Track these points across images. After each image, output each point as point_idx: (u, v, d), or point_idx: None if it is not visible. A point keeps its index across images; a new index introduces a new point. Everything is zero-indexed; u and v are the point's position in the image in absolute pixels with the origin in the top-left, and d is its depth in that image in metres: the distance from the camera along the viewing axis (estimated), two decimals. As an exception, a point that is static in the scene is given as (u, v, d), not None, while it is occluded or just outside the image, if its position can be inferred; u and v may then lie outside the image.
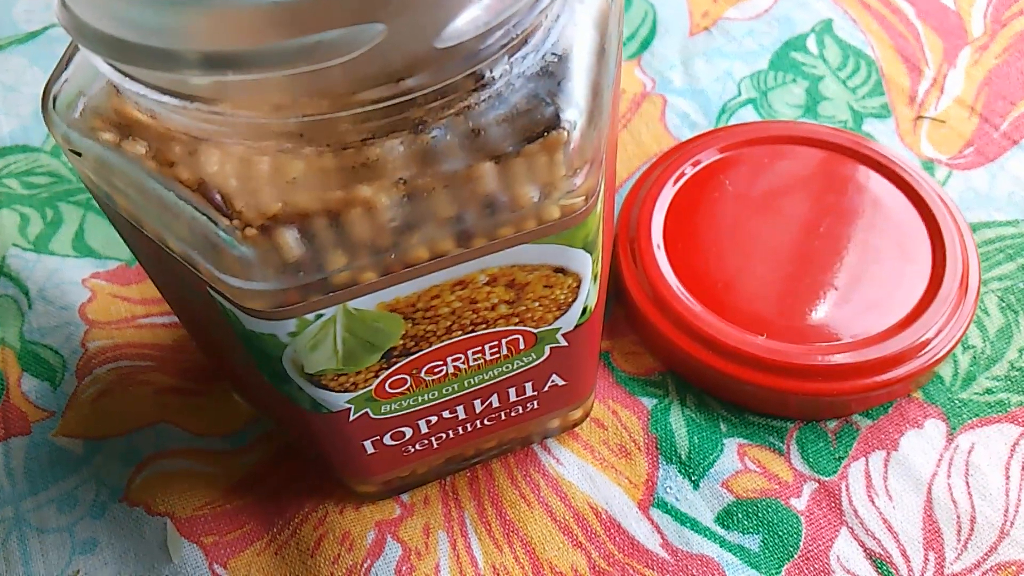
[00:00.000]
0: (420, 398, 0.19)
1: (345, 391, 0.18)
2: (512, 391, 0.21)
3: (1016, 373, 0.25)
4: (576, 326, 0.19)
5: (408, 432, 0.21)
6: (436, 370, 0.19)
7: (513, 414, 0.22)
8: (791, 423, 0.25)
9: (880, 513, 0.23)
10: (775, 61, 0.33)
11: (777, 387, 0.24)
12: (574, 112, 0.15)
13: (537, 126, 0.15)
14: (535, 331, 0.19)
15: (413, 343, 0.18)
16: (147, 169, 0.15)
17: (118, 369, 0.26)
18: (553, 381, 0.21)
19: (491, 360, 0.19)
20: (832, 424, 0.25)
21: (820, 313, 0.25)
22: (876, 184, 0.28)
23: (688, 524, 0.23)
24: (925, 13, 0.34)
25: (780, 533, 0.23)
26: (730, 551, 0.22)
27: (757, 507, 0.23)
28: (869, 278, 0.25)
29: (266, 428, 0.25)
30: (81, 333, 0.27)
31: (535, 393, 0.21)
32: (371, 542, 0.23)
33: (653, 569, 0.22)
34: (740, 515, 0.23)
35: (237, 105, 0.14)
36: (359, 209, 0.15)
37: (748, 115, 0.32)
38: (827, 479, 0.23)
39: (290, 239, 0.15)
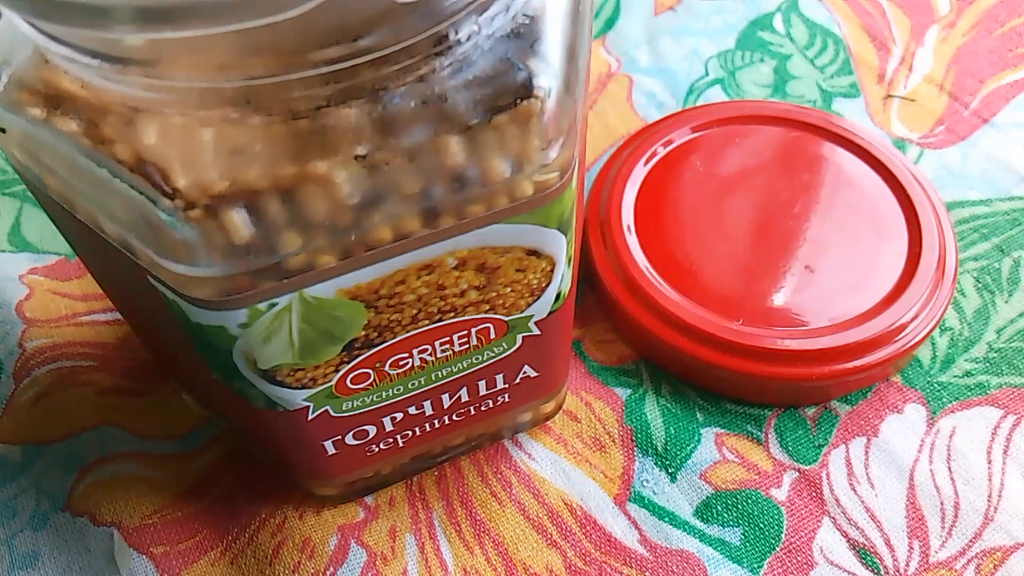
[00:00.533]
0: (384, 393, 0.18)
1: (303, 387, 0.17)
2: (482, 384, 0.20)
3: (995, 355, 0.25)
4: (549, 313, 0.18)
5: (372, 430, 0.19)
6: (401, 363, 0.18)
7: (483, 408, 0.21)
8: (769, 410, 0.24)
9: (863, 502, 0.22)
10: (742, 40, 0.32)
11: (754, 373, 0.23)
12: (548, 78, 0.14)
13: (508, 93, 0.14)
14: (507, 319, 0.18)
15: (376, 334, 0.16)
16: (79, 145, 0.14)
17: (58, 370, 0.25)
18: (525, 372, 0.20)
19: (460, 351, 0.18)
20: (811, 411, 0.24)
21: (796, 296, 0.24)
22: (850, 164, 0.27)
23: (666, 518, 0.22)
24: (891, -8, 0.34)
25: (761, 525, 0.22)
26: (710, 545, 0.22)
27: (737, 499, 0.22)
28: (845, 260, 0.25)
29: (218, 429, 0.24)
30: (18, 332, 0.25)
31: (506, 386, 0.20)
32: (334, 548, 0.21)
33: (631, 567, 0.21)
34: (720, 507, 0.22)
35: (176, 67, 0.12)
36: (314, 185, 0.13)
37: (716, 95, 0.31)
38: (808, 468, 0.23)
39: (238, 219, 0.13)
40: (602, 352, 0.25)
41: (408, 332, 0.17)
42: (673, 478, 0.23)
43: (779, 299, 0.24)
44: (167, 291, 0.15)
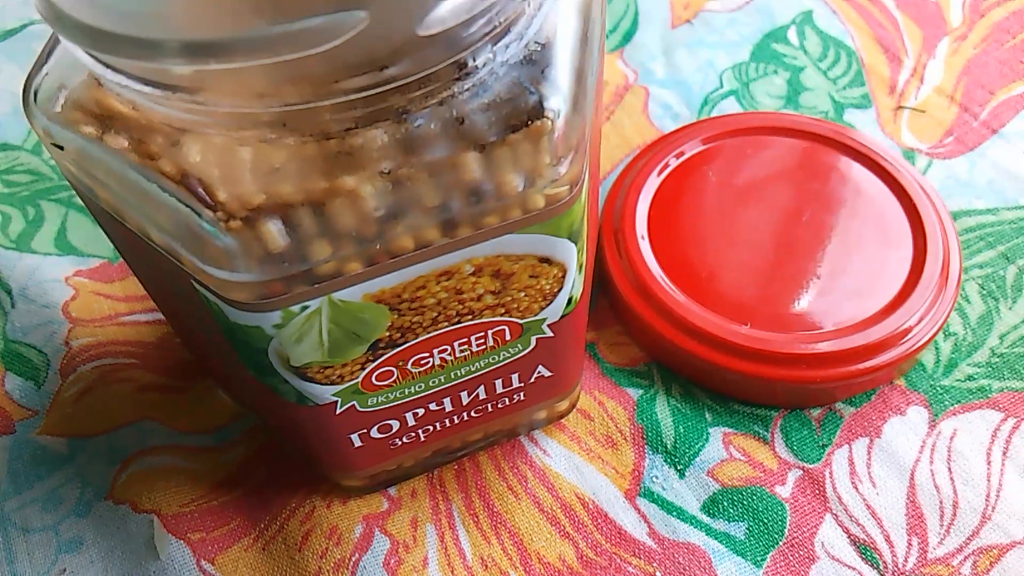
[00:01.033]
0: (407, 390, 0.19)
1: (331, 384, 0.18)
2: (499, 383, 0.21)
3: (997, 360, 0.25)
4: (562, 316, 0.20)
5: (395, 425, 0.21)
6: (423, 362, 0.19)
7: (500, 406, 0.22)
8: (776, 411, 0.25)
9: (864, 499, 0.23)
10: (756, 52, 0.33)
11: (762, 375, 0.24)
12: (558, 100, 0.15)
13: (521, 114, 0.15)
14: (521, 322, 0.19)
15: (399, 334, 0.18)
16: (129, 161, 0.15)
17: (101, 367, 0.26)
18: (539, 372, 0.21)
19: (477, 351, 0.19)
20: (816, 412, 0.25)
21: (803, 301, 0.25)
22: (858, 173, 0.28)
23: (674, 513, 0.23)
24: (904, 3, 0.35)
25: (765, 520, 0.23)
26: (716, 539, 0.23)
27: (742, 495, 0.23)
28: (851, 266, 0.26)
29: (251, 424, 0.25)
30: (64, 331, 0.27)
31: (522, 384, 0.21)
32: (359, 536, 0.23)
33: (640, 558, 0.22)
34: (726, 503, 0.23)
35: (218, 94, 0.14)
36: (343, 198, 0.15)
37: (730, 106, 0.32)
38: (811, 466, 0.24)
39: (274, 229, 0.14)
40: (615, 354, 0.26)
41: (428, 333, 0.18)
42: (681, 475, 0.24)
43: (787, 304, 0.25)
44: (208, 294, 0.16)
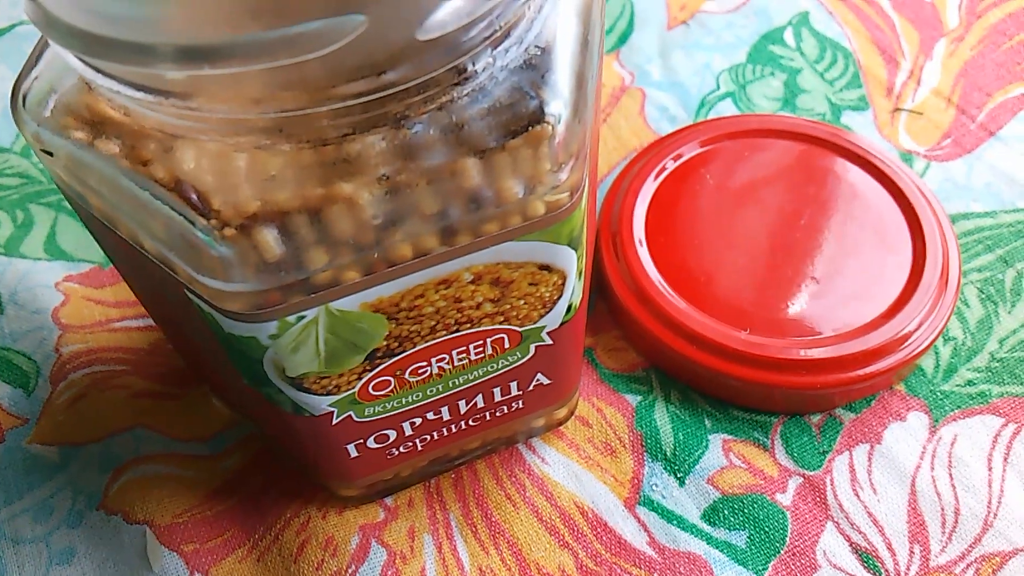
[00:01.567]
0: (404, 400, 0.19)
1: (328, 394, 0.18)
2: (497, 391, 0.21)
3: (997, 364, 0.25)
4: (561, 324, 0.19)
5: (392, 434, 0.20)
6: (420, 371, 0.18)
7: (498, 414, 0.21)
8: (775, 417, 0.25)
9: (865, 507, 0.23)
10: (753, 54, 0.33)
11: (761, 381, 0.24)
12: (558, 105, 0.15)
13: (521, 120, 0.15)
14: (520, 330, 0.19)
15: (397, 344, 0.17)
16: (121, 167, 0.15)
17: (93, 374, 0.26)
18: (538, 380, 0.21)
19: (476, 360, 0.19)
20: (816, 418, 0.25)
21: (802, 307, 0.25)
22: (856, 176, 0.28)
23: (675, 521, 0.23)
24: (900, 4, 0.35)
25: (766, 529, 0.23)
26: (717, 548, 0.22)
27: (743, 503, 0.23)
28: (850, 271, 0.25)
29: (245, 431, 0.25)
30: (54, 337, 0.27)
31: (520, 392, 0.21)
32: (355, 547, 0.22)
33: (640, 568, 0.22)
34: (726, 511, 0.23)
35: (213, 100, 0.13)
36: (340, 206, 0.14)
37: (727, 108, 0.32)
38: (812, 473, 0.23)
39: (270, 238, 0.14)
40: (613, 360, 0.26)
41: (427, 342, 0.18)
42: (681, 482, 0.23)
43: (786, 310, 0.25)
44: (203, 304, 0.16)
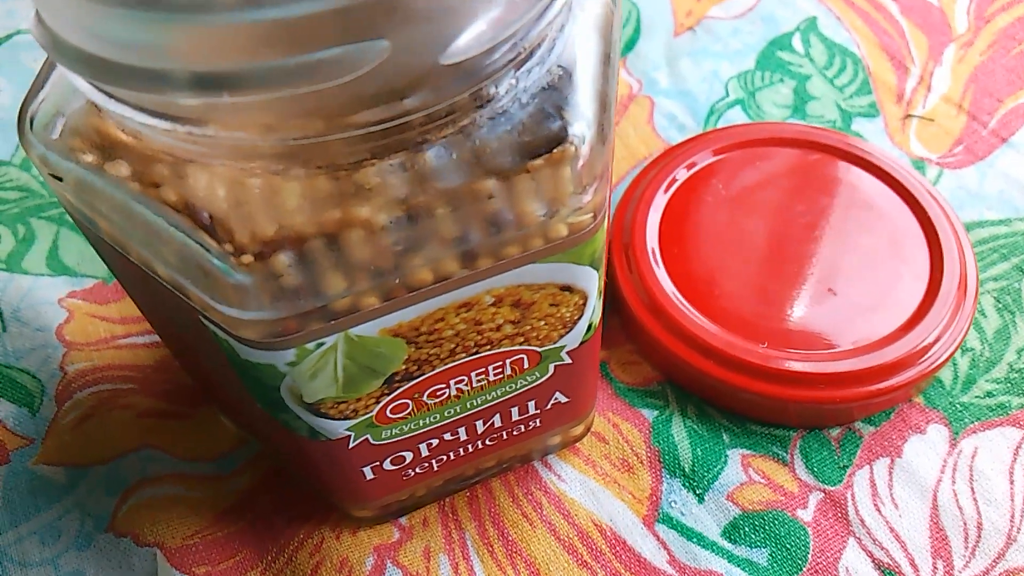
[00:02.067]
0: (421, 421, 0.19)
1: (345, 418, 0.17)
2: (515, 410, 0.20)
3: (1015, 375, 0.25)
4: (581, 343, 0.19)
5: (408, 456, 0.20)
6: (438, 393, 0.18)
7: (515, 433, 0.21)
8: (794, 431, 0.24)
9: (887, 522, 0.23)
10: (761, 61, 0.33)
11: (779, 396, 0.23)
12: (582, 126, 0.15)
13: (543, 142, 0.14)
14: (540, 350, 0.18)
15: (416, 367, 0.17)
16: (133, 193, 0.15)
17: (99, 393, 0.25)
18: (556, 398, 0.21)
19: (495, 380, 0.19)
20: (835, 431, 0.24)
21: (819, 319, 0.24)
22: (870, 185, 0.27)
23: (695, 539, 0.22)
24: (908, 9, 0.34)
25: (788, 546, 0.22)
26: (738, 566, 0.22)
27: (764, 519, 0.23)
28: (867, 281, 0.25)
29: (254, 451, 0.24)
30: (59, 355, 0.26)
31: (538, 411, 0.21)
32: (370, 568, 0.22)
33: (661, 587, 0.22)
34: (747, 528, 0.23)
35: (227, 126, 0.13)
36: (358, 231, 0.14)
37: (736, 116, 0.31)
38: (832, 488, 0.23)
39: (288, 264, 0.14)
40: (627, 374, 0.26)
41: (446, 364, 0.17)
42: (700, 499, 0.23)
43: (802, 322, 0.24)
44: (217, 330, 0.15)
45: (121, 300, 0.28)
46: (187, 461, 0.24)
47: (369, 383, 0.17)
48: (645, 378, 0.25)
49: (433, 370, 0.17)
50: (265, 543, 0.23)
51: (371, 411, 0.18)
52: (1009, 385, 0.25)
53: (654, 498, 0.23)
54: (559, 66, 0.15)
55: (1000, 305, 0.26)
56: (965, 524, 0.23)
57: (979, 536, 0.22)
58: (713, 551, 0.22)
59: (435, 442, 0.20)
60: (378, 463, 0.20)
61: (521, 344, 0.18)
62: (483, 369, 0.18)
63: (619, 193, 0.29)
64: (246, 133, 0.13)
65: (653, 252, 0.26)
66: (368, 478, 0.20)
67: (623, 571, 0.22)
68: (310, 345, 0.15)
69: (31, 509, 0.23)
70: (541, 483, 0.23)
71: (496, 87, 0.14)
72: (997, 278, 0.27)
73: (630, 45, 0.34)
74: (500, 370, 0.18)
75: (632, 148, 0.31)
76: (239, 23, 0.11)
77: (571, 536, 0.23)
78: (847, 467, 0.24)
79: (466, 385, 0.18)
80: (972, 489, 0.23)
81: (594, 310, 0.18)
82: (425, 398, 0.18)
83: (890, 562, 0.22)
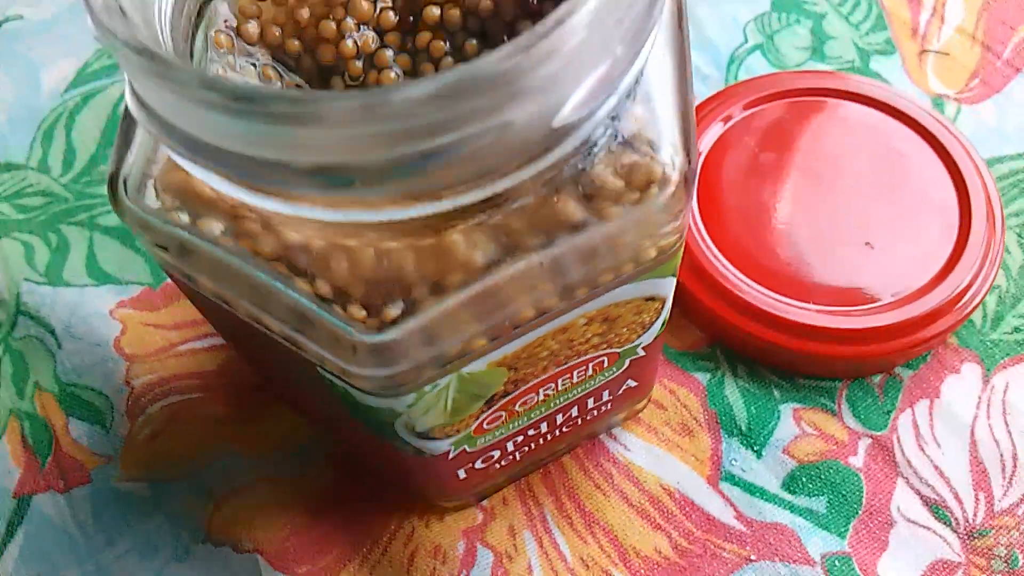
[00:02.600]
0: (512, 426, 0.20)
1: (448, 437, 0.18)
2: (590, 400, 0.21)
3: (1042, 308, 0.26)
4: (654, 338, 0.20)
5: (496, 454, 0.21)
6: (528, 401, 0.19)
7: (588, 418, 0.22)
8: (839, 382, 0.26)
9: (931, 461, 0.24)
10: (776, 2, 0.33)
11: (827, 353, 0.24)
12: (669, 151, 0.15)
13: (635, 175, 0.15)
14: (619, 350, 0.19)
15: (513, 386, 0.18)
16: (233, 251, 0.15)
17: (169, 405, 0.26)
18: (627, 385, 0.22)
19: (577, 382, 0.20)
20: (877, 379, 0.26)
21: (859, 274, 0.25)
22: (896, 132, 0.28)
23: (758, 494, 0.24)
24: (914, -67, 0.34)
25: (844, 492, 0.24)
26: (800, 515, 0.24)
27: (819, 469, 0.24)
28: (902, 232, 0.26)
29: (329, 447, 0.25)
30: (122, 369, 0.27)
31: (610, 398, 0.22)
32: (462, 552, 0.23)
33: (733, 543, 0.23)
34: (804, 479, 0.24)
35: (334, 207, 0.13)
36: (472, 285, 0.15)
37: (757, 62, 0.31)
38: (879, 434, 0.25)
39: (414, 327, 0.14)
40: (678, 338, 0.27)
41: (538, 379, 0.18)
42: (759, 455, 0.25)
43: (843, 278, 0.25)
44: (335, 379, 0.16)
45: (170, 304, 0.28)
46: (266, 463, 0.25)
47: (472, 407, 0.18)
48: (694, 342, 0.27)
49: (527, 384, 0.18)
50: (358, 537, 0.24)
51: (470, 427, 0.19)
52: (1036, 319, 0.26)
53: (715, 458, 0.25)
54: (643, 93, 0.15)
55: (1023, 240, 0.27)
56: (1002, 456, 0.24)
57: (1015, 466, 0.24)
58: (776, 504, 0.24)
59: (520, 439, 0.21)
60: (471, 465, 0.21)
61: (604, 349, 0.19)
62: (569, 375, 0.19)
63: (649, 155, 0.30)
64: (351, 211, 0.13)
65: (694, 215, 0.27)
66: (461, 478, 0.21)
67: (695, 530, 0.24)
68: (427, 388, 0.16)
69: (123, 527, 0.24)
70: (609, 454, 0.25)
71: (595, 132, 0.14)
72: (1019, 213, 0.28)
73: (639, -8, 0.34)
74: (583, 373, 0.19)
75: (653, 103, 0.31)
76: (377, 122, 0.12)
77: (643, 502, 0.24)
78: (891, 412, 0.25)
79: (552, 390, 0.19)
80: (1006, 422, 0.25)
81: (668, 308, 0.19)
82: (517, 407, 0.19)
83: (937, 498, 0.24)
